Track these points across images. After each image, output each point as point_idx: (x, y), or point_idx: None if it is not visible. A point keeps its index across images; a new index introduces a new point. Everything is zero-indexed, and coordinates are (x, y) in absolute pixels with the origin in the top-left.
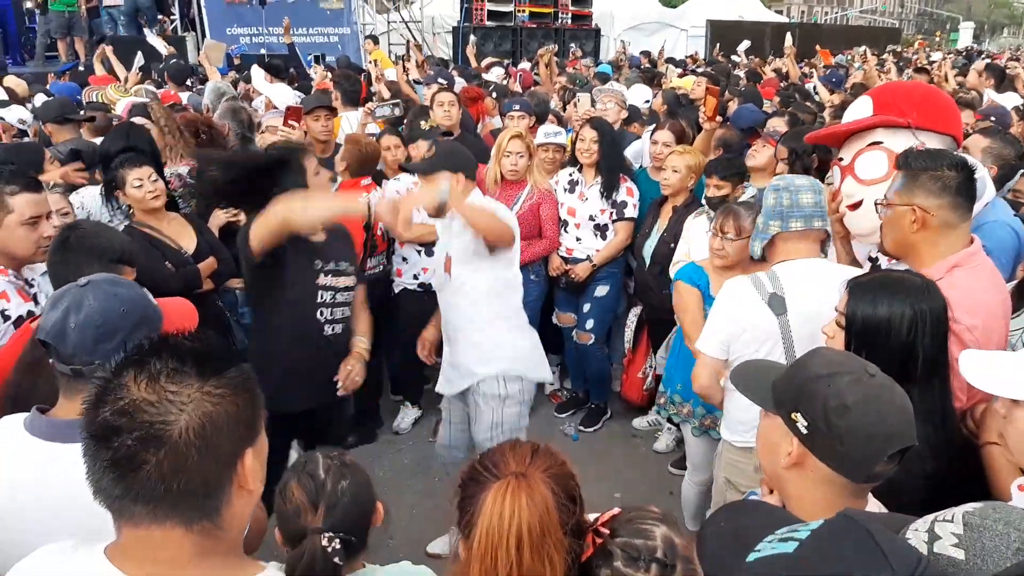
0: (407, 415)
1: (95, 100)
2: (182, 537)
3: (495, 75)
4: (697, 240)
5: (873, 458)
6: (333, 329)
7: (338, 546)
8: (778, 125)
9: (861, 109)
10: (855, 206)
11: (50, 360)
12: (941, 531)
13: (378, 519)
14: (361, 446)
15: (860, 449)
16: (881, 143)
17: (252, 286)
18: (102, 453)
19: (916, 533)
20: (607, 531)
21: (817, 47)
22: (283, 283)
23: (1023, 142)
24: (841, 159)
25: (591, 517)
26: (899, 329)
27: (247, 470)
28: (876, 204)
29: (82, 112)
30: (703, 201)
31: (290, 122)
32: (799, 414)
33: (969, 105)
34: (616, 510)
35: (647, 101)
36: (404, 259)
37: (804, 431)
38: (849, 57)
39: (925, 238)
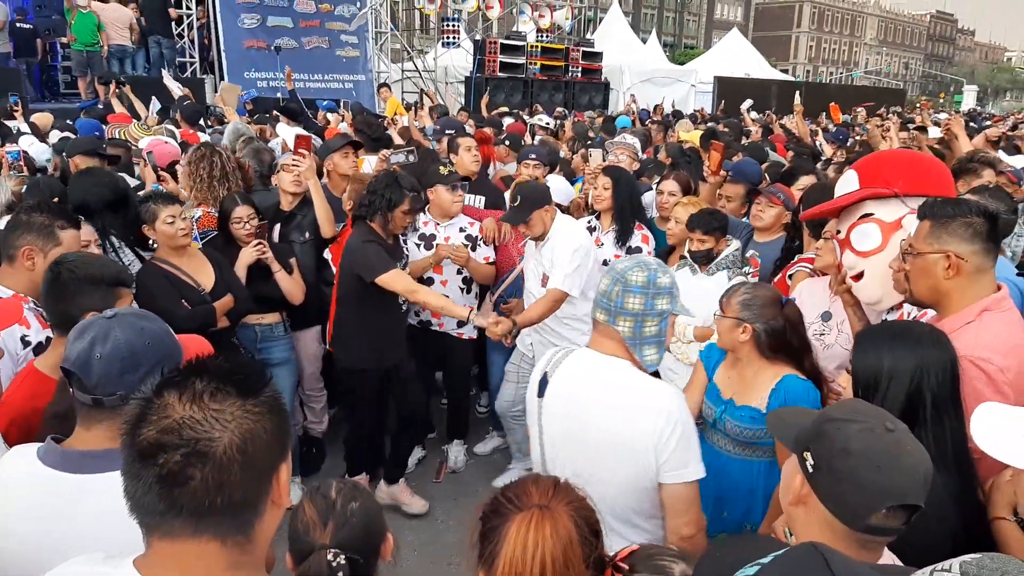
0: (411, 454)
1: (117, 137)
2: (217, 551)
3: (506, 124)
4: (680, 293)
5: (867, 508)
6: (405, 305)
7: (343, 562)
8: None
9: (848, 184)
10: (858, 277)
11: (70, 390)
12: None
13: (387, 550)
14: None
15: (855, 496)
16: (872, 214)
17: (355, 287)
18: (148, 470)
19: None
20: (626, 567)
21: (832, 104)
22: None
23: (1013, 197)
24: (838, 232)
25: (610, 552)
26: (902, 378)
27: (281, 485)
28: (903, 253)
29: (105, 147)
30: (686, 254)
31: (300, 151)
32: (809, 453)
33: (991, 164)
34: (635, 546)
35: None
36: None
37: (811, 470)
38: (853, 117)
39: (958, 284)
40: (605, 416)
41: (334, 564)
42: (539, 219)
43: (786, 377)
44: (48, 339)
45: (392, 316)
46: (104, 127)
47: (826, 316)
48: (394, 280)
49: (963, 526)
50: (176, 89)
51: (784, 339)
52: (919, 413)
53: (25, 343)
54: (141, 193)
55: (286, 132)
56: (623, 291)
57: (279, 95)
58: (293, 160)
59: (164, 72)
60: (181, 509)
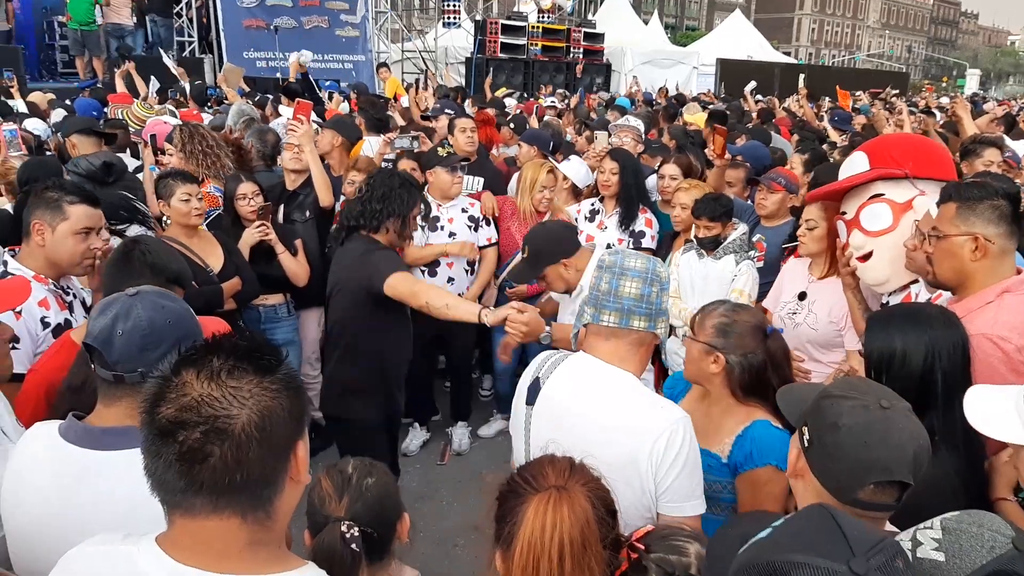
0: (416, 437)
1: (119, 117)
2: (238, 527)
3: (510, 106)
4: (686, 277)
5: (855, 481)
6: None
7: (357, 534)
8: (796, 163)
9: (857, 164)
10: (866, 257)
11: (91, 365)
12: (922, 537)
13: (404, 529)
14: None
15: (842, 470)
16: (883, 195)
17: (363, 320)
18: (168, 448)
19: (901, 542)
20: (642, 546)
21: (837, 87)
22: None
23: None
24: (844, 213)
25: (625, 532)
26: (914, 358)
27: (299, 461)
28: (928, 236)
29: (102, 126)
30: (692, 238)
31: (298, 116)
32: (806, 428)
33: (996, 144)
34: (650, 527)
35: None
36: None
37: (806, 444)
38: (855, 100)
39: (983, 266)
40: (603, 433)
41: (347, 536)
42: (556, 275)
43: (756, 423)
44: (67, 321)
45: (407, 346)
46: (105, 108)
47: (802, 296)
48: (401, 283)
49: (970, 505)
50: (173, 68)
51: (762, 377)
52: (932, 393)
53: (45, 324)
54: (140, 175)
55: (289, 113)
56: (620, 274)
57: (279, 75)
58: (289, 125)
59: (163, 52)
60: (201, 486)
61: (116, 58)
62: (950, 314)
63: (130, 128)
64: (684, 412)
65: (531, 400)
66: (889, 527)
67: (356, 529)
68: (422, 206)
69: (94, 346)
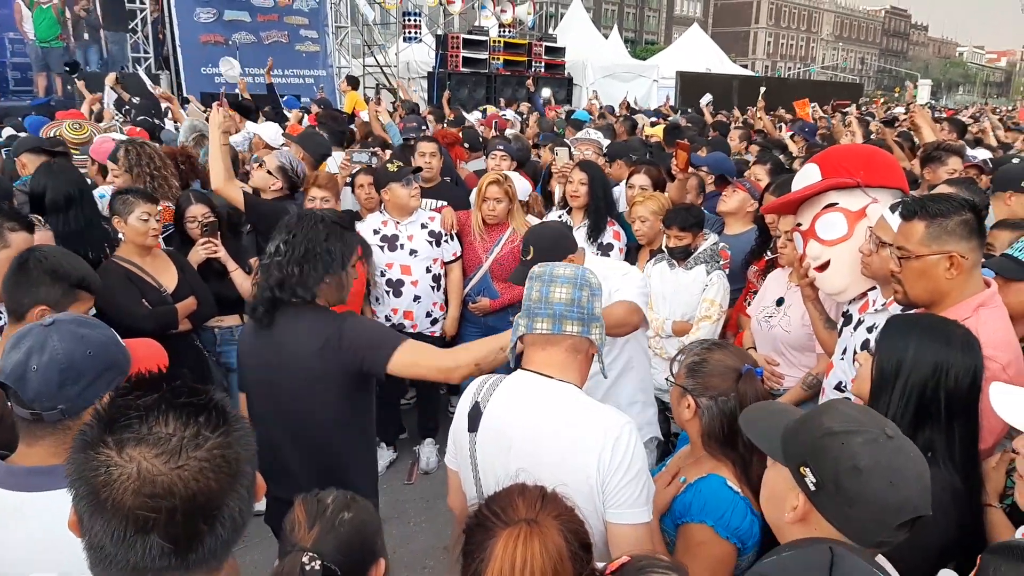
0: (382, 456)
1: (51, 136)
2: None
3: (474, 118)
4: (658, 288)
5: (881, 525)
6: None
7: (318, 568)
8: (759, 172)
9: (809, 176)
10: (823, 267)
11: (8, 404)
12: None
13: (378, 573)
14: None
15: (869, 515)
16: (836, 204)
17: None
18: (151, 539)
19: None
20: None
21: (801, 101)
22: None
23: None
24: (800, 224)
25: (599, 565)
26: (921, 371)
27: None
28: (899, 259)
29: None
30: (663, 249)
31: (220, 105)
32: (808, 469)
33: (958, 153)
34: (626, 558)
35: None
36: (377, 299)
37: (812, 488)
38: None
39: (958, 282)
40: (555, 452)
41: (307, 568)
42: None
43: (710, 477)
44: None
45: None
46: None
47: (780, 301)
48: (417, 354)
49: (959, 524)
50: (150, 86)
51: (732, 427)
52: (931, 409)
53: None
54: (96, 192)
55: (249, 126)
56: (550, 281)
57: (237, 91)
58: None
59: (139, 68)
60: (192, 563)
61: (65, 74)
62: (972, 338)
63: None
64: (628, 417)
65: (473, 427)
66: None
67: (318, 563)
68: (361, 249)
69: (7, 384)
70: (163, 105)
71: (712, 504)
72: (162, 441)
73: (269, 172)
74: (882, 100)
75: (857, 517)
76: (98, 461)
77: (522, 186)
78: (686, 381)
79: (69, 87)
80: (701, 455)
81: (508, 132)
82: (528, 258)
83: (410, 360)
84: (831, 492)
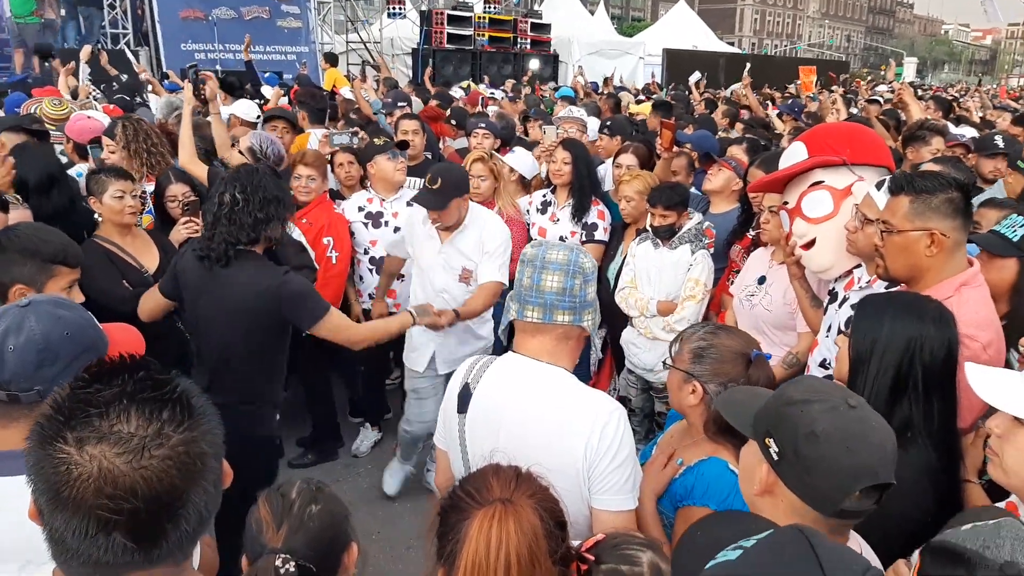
0: (367, 437)
1: (31, 112)
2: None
3: (456, 95)
4: (643, 267)
5: (840, 491)
6: None
7: (292, 569)
8: (737, 152)
9: (796, 154)
10: (809, 245)
11: None
12: None
13: (350, 560)
14: (319, 466)
15: (826, 481)
16: (822, 182)
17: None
18: (114, 537)
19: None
20: (592, 557)
21: (800, 68)
22: None
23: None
24: (786, 203)
25: (575, 543)
26: (895, 347)
27: (228, 475)
28: (881, 232)
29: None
30: (648, 228)
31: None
32: (772, 440)
33: (940, 132)
34: (600, 536)
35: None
36: (360, 278)
37: (775, 457)
38: (798, 88)
39: (938, 260)
40: (543, 435)
41: (282, 571)
42: (456, 208)
43: (711, 460)
44: None
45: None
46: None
47: (761, 280)
48: (338, 324)
49: (937, 501)
50: (136, 67)
51: None
52: (907, 384)
53: None
54: (72, 171)
55: (231, 108)
56: (542, 268)
57: (217, 67)
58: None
59: (127, 50)
60: (155, 558)
61: (45, 53)
62: (946, 312)
63: (47, 127)
64: (617, 404)
65: (463, 408)
66: (853, 535)
67: (292, 564)
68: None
69: None
70: (146, 84)
71: (715, 488)
72: (124, 440)
73: (240, 152)
74: (864, 81)
75: (815, 484)
76: (57, 459)
77: (530, 163)
78: (692, 367)
79: (47, 63)
80: (700, 438)
81: (490, 110)
82: (435, 187)
83: (332, 327)
84: (791, 460)
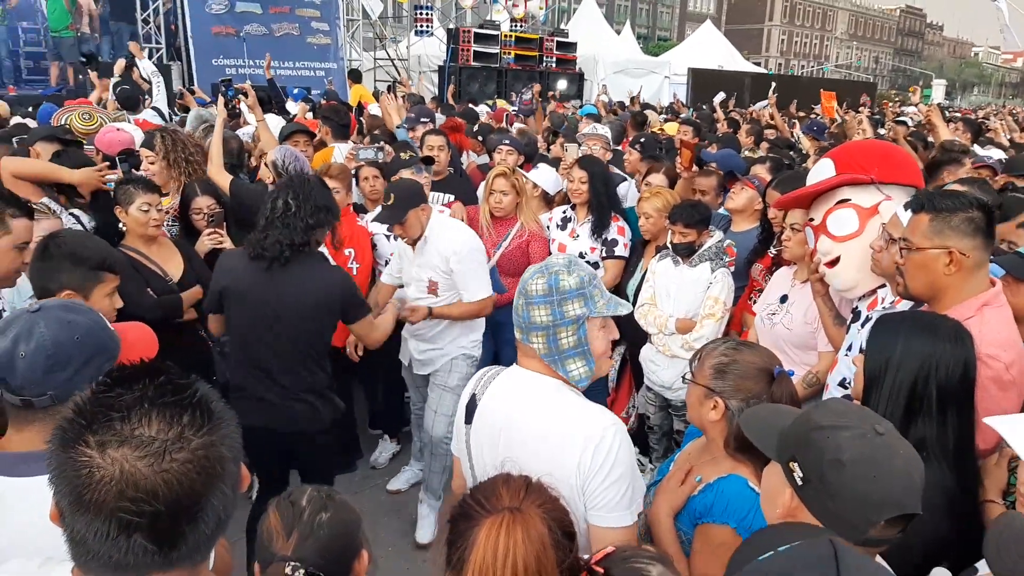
0: (385, 449)
1: (62, 124)
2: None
3: (481, 111)
4: (662, 284)
5: (864, 521)
6: None
7: None
8: (760, 171)
9: (824, 171)
10: (833, 263)
11: None
12: None
13: (361, 568)
14: (338, 478)
15: (851, 509)
16: (849, 200)
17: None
18: (134, 539)
19: None
20: (601, 570)
21: (822, 91)
22: None
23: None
24: (812, 220)
25: (584, 555)
26: (909, 366)
27: (245, 478)
28: (900, 249)
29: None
30: (668, 245)
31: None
32: (796, 464)
33: (965, 153)
34: (610, 548)
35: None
36: None
37: (799, 482)
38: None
39: (957, 279)
40: (543, 447)
41: None
42: (416, 219)
43: (731, 477)
44: None
45: None
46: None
47: (783, 299)
48: (371, 322)
49: (955, 521)
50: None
51: None
52: (922, 404)
53: None
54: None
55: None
56: (526, 304)
57: (247, 83)
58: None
59: (145, 60)
60: (174, 560)
61: (81, 64)
62: (963, 331)
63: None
64: (615, 418)
65: (468, 419)
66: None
67: (302, 571)
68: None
69: None
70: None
71: (735, 505)
72: (145, 443)
73: (265, 165)
74: (891, 103)
75: (838, 512)
76: (79, 461)
77: (553, 179)
78: (714, 383)
79: (81, 76)
80: (719, 455)
81: (515, 127)
82: (390, 203)
83: (368, 323)
84: (816, 486)
